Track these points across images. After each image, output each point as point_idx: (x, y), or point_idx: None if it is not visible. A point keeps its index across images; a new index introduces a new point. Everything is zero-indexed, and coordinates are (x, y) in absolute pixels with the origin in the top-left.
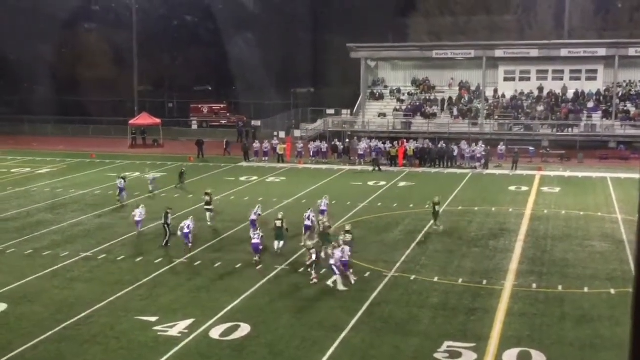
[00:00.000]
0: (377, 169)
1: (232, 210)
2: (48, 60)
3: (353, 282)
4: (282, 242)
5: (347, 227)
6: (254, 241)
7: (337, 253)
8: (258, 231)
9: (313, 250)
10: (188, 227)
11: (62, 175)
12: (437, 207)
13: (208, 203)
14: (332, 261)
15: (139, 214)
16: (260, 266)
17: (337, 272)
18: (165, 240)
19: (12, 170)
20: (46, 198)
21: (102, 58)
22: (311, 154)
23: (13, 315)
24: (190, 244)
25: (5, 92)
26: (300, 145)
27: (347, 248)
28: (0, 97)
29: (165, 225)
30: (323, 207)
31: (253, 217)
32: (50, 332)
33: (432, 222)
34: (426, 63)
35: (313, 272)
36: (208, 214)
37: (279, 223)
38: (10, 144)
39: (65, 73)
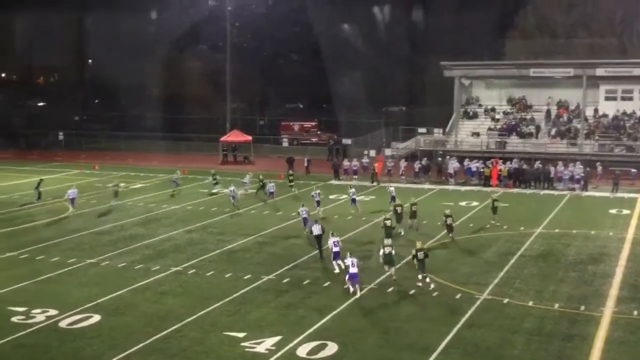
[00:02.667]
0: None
1: None
2: (145, 79)
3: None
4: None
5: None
6: (351, 270)
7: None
8: (351, 258)
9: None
10: (233, 191)
11: (155, 191)
12: (448, 220)
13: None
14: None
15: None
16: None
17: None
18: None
19: (108, 185)
20: (139, 213)
21: (196, 77)
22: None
23: (106, 326)
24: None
25: (104, 109)
26: (391, 164)
27: (355, 260)
28: (98, 114)
29: None
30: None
31: (335, 248)
32: (140, 345)
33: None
34: (522, 82)
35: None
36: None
37: (388, 250)
38: (107, 159)
39: (161, 92)
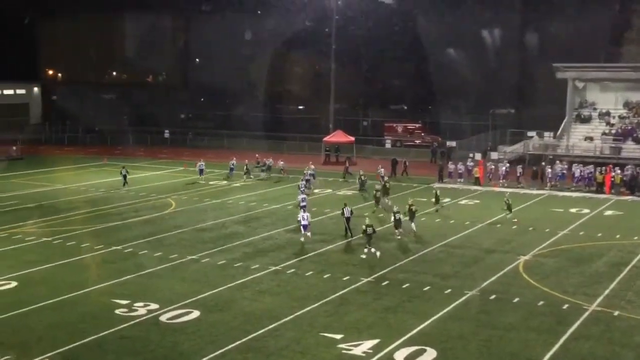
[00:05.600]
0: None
1: (423, 232)
2: (249, 79)
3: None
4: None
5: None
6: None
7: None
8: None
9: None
10: (305, 218)
11: (256, 189)
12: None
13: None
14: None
15: (304, 217)
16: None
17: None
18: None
19: (210, 183)
20: (240, 211)
21: (300, 77)
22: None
23: (205, 322)
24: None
25: (209, 108)
26: (503, 169)
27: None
28: (203, 114)
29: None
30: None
31: (304, 221)
32: (238, 342)
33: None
34: None
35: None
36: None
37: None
38: (210, 157)
39: (265, 91)
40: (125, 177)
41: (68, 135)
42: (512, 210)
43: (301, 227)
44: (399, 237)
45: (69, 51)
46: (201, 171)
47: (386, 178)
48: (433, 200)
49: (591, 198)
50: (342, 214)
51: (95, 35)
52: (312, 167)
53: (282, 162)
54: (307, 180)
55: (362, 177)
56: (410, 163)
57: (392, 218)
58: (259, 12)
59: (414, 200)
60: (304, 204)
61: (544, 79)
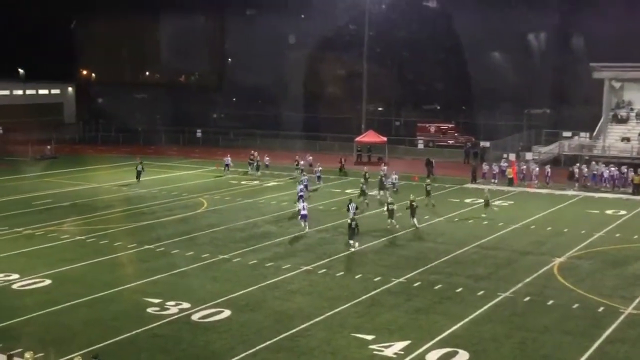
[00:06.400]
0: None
1: (455, 232)
2: (282, 79)
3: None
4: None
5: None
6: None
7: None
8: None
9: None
10: (304, 208)
11: (288, 189)
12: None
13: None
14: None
15: (304, 206)
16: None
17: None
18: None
19: (242, 182)
20: (272, 210)
21: (333, 77)
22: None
23: (236, 321)
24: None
25: (241, 108)
26: (537, 169)
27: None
28: (235, 113)
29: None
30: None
31: (303, 211)
32: (269, 342)
33: None
34: None
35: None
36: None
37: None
38: (242, 157)
39: (297, 91)
40: (139, 173)
41: (101, 134)
42: (491, 206)
43: (300, 216)
44: (389, 227)
45: (104, 51)
46: (227, 166)
47: (395, 176)
48: (482, 202)
49: (628, 200)
50: (347, 209)
51: (130, 35)
52: (320, 168)
53: (267, 158)
54: (306, 186)
55: (382, 177)
56: (444, 163)
57: (386, 208)
58: (302, 16)
59: (414, 197)
60: (301, 194)
61: (581, 78)
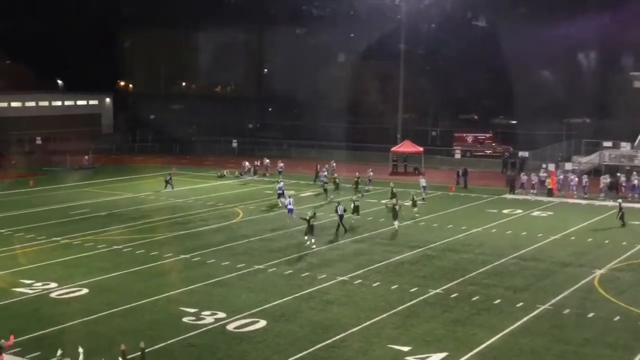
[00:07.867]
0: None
1: (492, 243)
2: (317, 90)
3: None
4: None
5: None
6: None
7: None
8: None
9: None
10: (290, 203)
11: (322, 199)
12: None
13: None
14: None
15: (290, 202)
16: None
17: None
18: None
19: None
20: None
21: (369, 87)
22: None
23: (272, 332)
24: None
25: (277, 118)
26: (575, 180)
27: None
28: (271, 124)
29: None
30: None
31: (290, 205)
32: (304, 352)
33: None
34: None
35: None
36: None
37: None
38: (276, 167)
39: (333, 102)
40: (167, 182)
41: (138, 144)
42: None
43: (287, 211)
44: (354, 222)
45: (142, 63)
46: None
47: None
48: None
49: None
50: (336, 211)
51: (168, 47)
52: (371, 173)
53: (257, 163)
54: (283, 193)
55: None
56: (481, 174)
57: (352, 204)
58: (329, 22)
59: (399, 201)
60: (280, 192)
61: (621, 88)
